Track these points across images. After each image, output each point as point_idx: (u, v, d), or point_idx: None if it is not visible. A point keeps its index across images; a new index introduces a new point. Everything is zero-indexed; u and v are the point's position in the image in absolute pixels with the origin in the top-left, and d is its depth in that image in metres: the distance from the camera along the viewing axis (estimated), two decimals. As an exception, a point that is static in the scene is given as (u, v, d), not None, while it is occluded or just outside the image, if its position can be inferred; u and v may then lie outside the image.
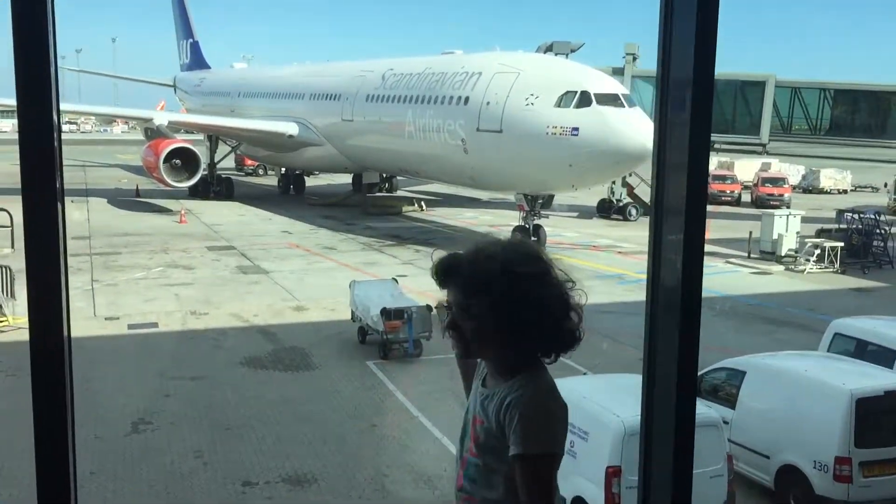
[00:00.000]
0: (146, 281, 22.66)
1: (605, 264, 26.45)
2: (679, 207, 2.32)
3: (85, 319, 18.26)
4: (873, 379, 10.97)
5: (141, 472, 11.11)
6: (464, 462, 2.65)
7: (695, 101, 2.24)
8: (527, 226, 28.38)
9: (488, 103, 27.45)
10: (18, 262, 18.02)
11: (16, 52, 2.04)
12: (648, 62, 42.94)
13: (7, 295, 17.48)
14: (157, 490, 10.66)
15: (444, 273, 2.63)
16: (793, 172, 53.80)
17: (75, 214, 33.37)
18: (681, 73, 2.28)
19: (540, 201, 28.54)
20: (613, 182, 36.38)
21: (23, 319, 17.28)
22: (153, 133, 38.69)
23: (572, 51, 36.64)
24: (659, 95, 2.38)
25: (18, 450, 10.94)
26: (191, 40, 63.02)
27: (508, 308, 2.48)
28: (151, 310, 19.51)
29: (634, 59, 40.01)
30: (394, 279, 18.99)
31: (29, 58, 2.04)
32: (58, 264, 2.12)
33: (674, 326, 2.37)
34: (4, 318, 16.97)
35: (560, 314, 2.52)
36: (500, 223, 34.18)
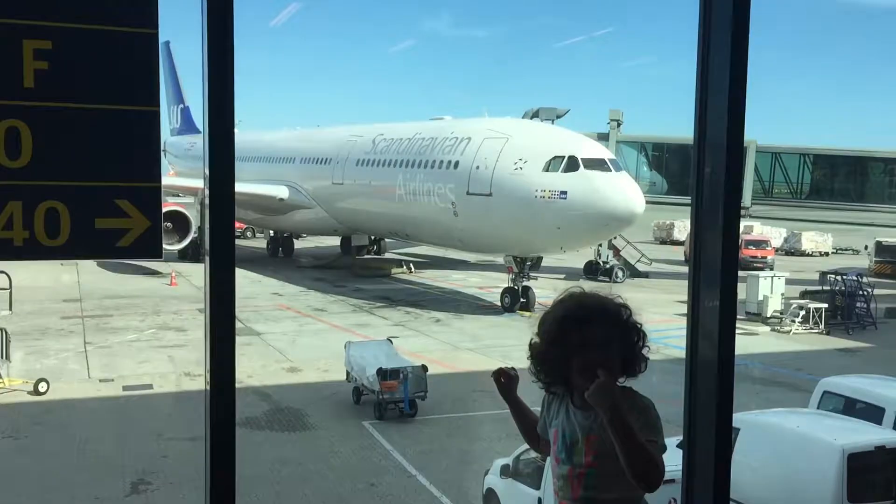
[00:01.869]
0: (139, 343, 22.71)
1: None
2: (715, 268, 2.65)
3: (80, 382, 18.31)
4: (864, 434, 11.24)
5: (141, 533, 11.12)
6: (581, 476, 3.12)
7: (728, 164, 2.59)
8: (516, 287, 28.74)
9: (478, 167, 28.07)
10: (13, 325, 18.12)
11: (210, 133, 2.43)
12: (631, 128, 44.04)
13: (3, 357, 17.49)
14: (158, 550, 10.67)
15: (591, 314, 3.10)
16: (775, 235, 54.79)
17: (65, 277, 33.45)
18: (715, 138, 2.64)
19: (528, 263, 28.96)
20: (600, 244, 36.96)
21: (19, 381, 17.26)
22: (144, 197, 38.99)
23: (558, 116, 37.61)
24: (695, 160, 2.74)
25: None
26: (182, 105, 64.00)
27: (629, 342, 3.09)
28: (145, 371, 19.55)
29: (619, 124, 41.00)
30: (388, 340, 19.20)
31: (218, 138, 2.43)
32: (234, 320, 2.46)
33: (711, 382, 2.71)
34: (0, 381, 16.94)
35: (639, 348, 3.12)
36: (489, 285, 34.52)
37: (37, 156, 2.31)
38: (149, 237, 2.46)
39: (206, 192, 2.46)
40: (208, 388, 2.57)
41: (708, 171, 2.72)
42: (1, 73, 2.27)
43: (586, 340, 3.01)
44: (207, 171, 2.42)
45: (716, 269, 2.68)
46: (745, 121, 2.59)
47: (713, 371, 2.71)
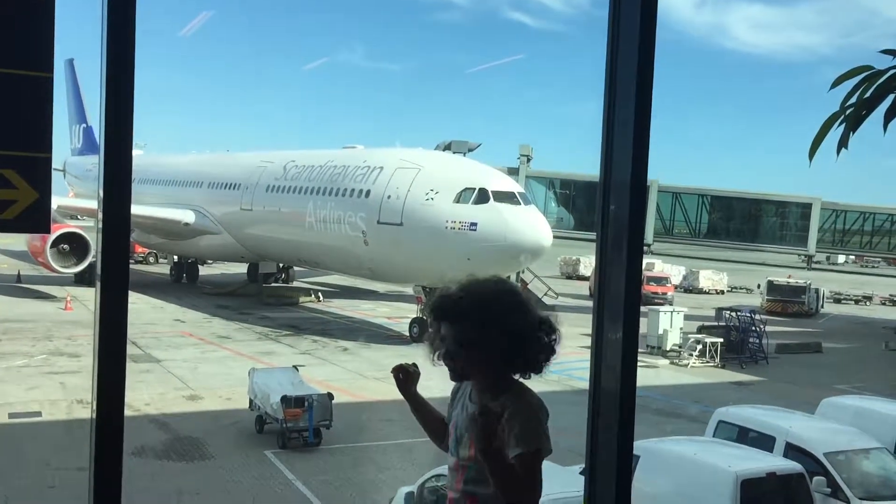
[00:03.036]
0: (28, 369, 21.62)
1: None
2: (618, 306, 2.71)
3: (-39, 408, 17.27)
4: (756, 462, 11.69)
5: (23, 568, 10.51)
6: (463, 468, 3.09)
7: (632, 203, 2.66)
8: (424, 318, 28.74)
9: (389, 197, 28.11)
10: None
11: (106, 150, 2.28)
12: (540, 163, 45.06)
13: None
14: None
15: (439, 310, 3.10)
16: (675, 272, 56.72)
17: (-50, 299, 31.69)
18: (620, 175, 2.71)
19: (438, 293, 29.02)
20: (508, 277, 37.44)
21: None
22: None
23: (470, 150, 38.18)
24: (600, 198, 2.79)
25: None
26: (84, 125, 61.92)
27: (496, 336, 2.96)
28: (34, 398, 18.60)
29: (528, 160, 41.86)
30: (294, 367, 18.87)
31: (114, 155, 2.28)
32: (125, 347, 2.33)
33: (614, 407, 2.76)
34: None
35: (532, 340, 2.98)
36: (397, 315, 34.41)
37: None
38: (36, 210, 2.30)
39: (100, 213, 2.35)
40: (94, 416, 2.44)
41: (613, 209, 2.77)
42: None
43: (449, 331, 3.06)
44: (101, 192, 2.31)
45: (619, 304, 2.73)
46: (648, 161, 2.68)
47: (615, 401, 2.77)
